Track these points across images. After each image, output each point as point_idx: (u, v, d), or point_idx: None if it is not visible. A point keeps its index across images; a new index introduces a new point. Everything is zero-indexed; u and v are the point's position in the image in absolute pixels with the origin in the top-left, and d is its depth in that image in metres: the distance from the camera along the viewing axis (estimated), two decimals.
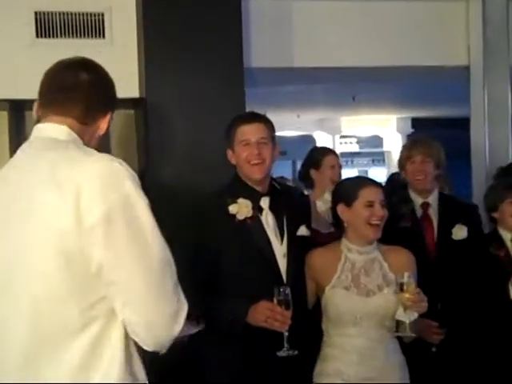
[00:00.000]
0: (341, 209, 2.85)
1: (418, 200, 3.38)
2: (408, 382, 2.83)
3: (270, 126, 2.88)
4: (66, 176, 1.65)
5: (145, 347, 1.74)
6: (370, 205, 2.79)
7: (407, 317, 2.64)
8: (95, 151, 1.78)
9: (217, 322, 2.70)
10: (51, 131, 1.81)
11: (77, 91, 1.83)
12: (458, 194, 4.49)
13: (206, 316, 2.68)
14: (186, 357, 3.42)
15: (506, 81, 4.72)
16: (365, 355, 2.74)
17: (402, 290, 2.64)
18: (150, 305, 1.68)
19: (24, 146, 1.85)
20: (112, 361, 1.69)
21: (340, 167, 4.04)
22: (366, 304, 2.75)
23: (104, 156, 1.73)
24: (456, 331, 3.08)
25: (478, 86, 4.71)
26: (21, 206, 1.70)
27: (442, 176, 3.46)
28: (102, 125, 1.89)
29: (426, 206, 3.36)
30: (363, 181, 2.93)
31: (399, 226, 3.32)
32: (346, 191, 2.87)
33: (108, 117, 1.89)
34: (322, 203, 3.50)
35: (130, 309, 1.68)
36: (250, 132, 2.82)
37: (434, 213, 3.35)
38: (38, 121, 1.86)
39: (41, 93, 1.88)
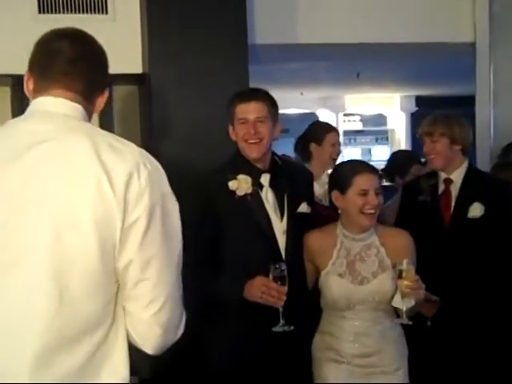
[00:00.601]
0: (335, 195, 2.82)
1: (442, 175, 3.36)
2: (405, 354, 2.84)
3: (269, 104, 2.83)
4: (113, 164, 1.57)
5: (148, 350, 1.70)
6: (364, 193, 2.73)
7: (404, 304, 2.63)
8: (123, 139, 1.70)
9: (214, 297, 2.72)
10: (62, 108, 1.69)
11: (79, 64, 1.71)
12: None
13: (204, 291, 2.70)
14: (183, 336, 3.44)
15: None
16: (360, 334, 2.76)
17: (400, 277, 2.62)
18: (172, 304, 1.68)
19: (28, 119, 1.70)
20: (120, 361, 1.66)
21: (340, 145, 4.04)
22: (360, 291, 2.74)
23: (138, 148, 1.67)
24: (453, 306, 3.08)
25: (483, 63, 4.68)
26: (54, 180, 1.57)
27: (466, 149, 3.35)
28: (99, 102, 1.79)
29: (447, 182, 3.31)
30: (358, 167, 2.82)
31: (419, 199, 3.34)
32: (340, 178, 2.83)
33: (105, 94, 1.80)
34: (318, 186, 3.47)
35: (154, 307, 1.64)
36: (247, 110, 2.79)
37: (455, 189, 3.30)
38: (35, 94, 1.73)
39: (34, 63, 1.74)
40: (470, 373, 3.17)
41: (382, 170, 4.99)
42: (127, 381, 1.66)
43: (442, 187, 3.33)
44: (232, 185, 2.78)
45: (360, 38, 4.61)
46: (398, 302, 2.65)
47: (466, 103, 5.38)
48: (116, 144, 1.63)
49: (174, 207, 1.68)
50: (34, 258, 1.55)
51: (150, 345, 1.69)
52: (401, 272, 2.61)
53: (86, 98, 1.74)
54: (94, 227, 1.54)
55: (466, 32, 4.67)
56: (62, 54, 1.70)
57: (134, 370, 1.75)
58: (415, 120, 11.87)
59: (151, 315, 1.64)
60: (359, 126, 13.82)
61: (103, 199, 1.55)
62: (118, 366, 1.65)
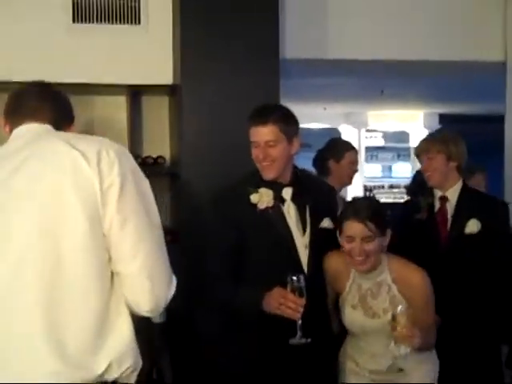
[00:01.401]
0: (338, 233, 2.77)
1: (437, 194, 3.38)
2: (430, 368, 2.80)
3: (283, 124, 2.77)
4: (84, 147, 1.85)
5: (143, 311, 1.89)
6: (351, 240, 2.68)
7: (397, 350, 2.55)
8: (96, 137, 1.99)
9: (233, 308, 2.73)
10: (37, 128, 2.00)
11: (45, 103, 2.06)
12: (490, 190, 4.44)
13: (225, 302, 2.76)
14: (201, 344, 3.45)
15: None
16: (378, 355, 2.75)
17: (393, 322, 2.53)
18: (156, 259, 1.87)
19: (11, 141, 1.99)
20: (124, 326, 1.85)
21: (357, 163, 4.14)
22: (372, 324, 2.73)
23: (104, 139, 1.95)
24: (451, 323, 3.08)
25: None
26: (39, 170, 1.83)
27: (461, 167, 3.36)
28: (71, 132, 2.11)
29: (443, 199, 3.36)
30: (349, 212, 2.73)
31: (415, 218, 3.39)
32: (339, 218, 2.78)
33: (73, 127, 2.13)
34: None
35: (137, 260, 1.83)
36: (256, 134, 2.78)
37: (450, 207, 3.33)
38: (11, 132, 2.04)
39: (7, 110, 2.08)
40: None
41: (406, 187, 5.00)
42: (133, 340, 1.86)
43: (437, 205, 3.36)
44: (253, 198, 2.78)
45: (390, 55, 4.60)
46: (392, 347, 2.56)
47: (491, 121, 5.36)
48: (85, 137, 1.94)
49: (144, 182, 1.92)
50: (26, 239, 1.78)
51: (142, 301, 1.86)
52: (393, 317, 2.54)
53: (56, 127, 2.05)
54: (79, 200, 1.78)
55: (497, 51, 4.65)
56: (31, 97, 2.07)
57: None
58: None
59: (136, 268, 1.83)
60: (381, 143, 13.76)
61: (82, 173, 1.80)
62: (123, 331, 1.84)
